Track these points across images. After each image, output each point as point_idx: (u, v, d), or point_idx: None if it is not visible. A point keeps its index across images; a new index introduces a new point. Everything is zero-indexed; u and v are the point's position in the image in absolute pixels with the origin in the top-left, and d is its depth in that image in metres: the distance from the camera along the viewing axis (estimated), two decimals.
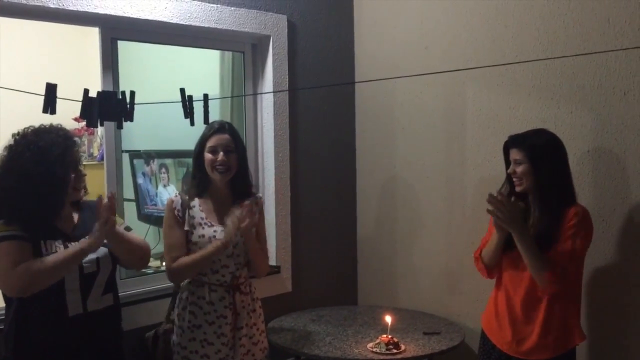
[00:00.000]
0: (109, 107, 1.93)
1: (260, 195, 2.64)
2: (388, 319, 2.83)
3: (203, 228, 2.43)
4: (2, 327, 2.19)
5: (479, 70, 2.92)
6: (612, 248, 2.58)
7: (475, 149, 3.10)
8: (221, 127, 2.43)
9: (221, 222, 2.43)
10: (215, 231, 2.43)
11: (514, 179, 2.31)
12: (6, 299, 2.12)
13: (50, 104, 1.86)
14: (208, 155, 2.40)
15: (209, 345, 2.41)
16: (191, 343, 2.42)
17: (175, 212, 2.44)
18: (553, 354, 2.26)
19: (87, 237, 2.05)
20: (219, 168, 2.40)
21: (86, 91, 1.93)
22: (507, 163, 2.37)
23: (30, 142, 2.00)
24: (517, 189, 2.31)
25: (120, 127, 1.98)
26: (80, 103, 1.94)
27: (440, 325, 3.04)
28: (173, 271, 2.41)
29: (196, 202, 2.47)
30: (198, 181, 2.47)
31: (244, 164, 2.51)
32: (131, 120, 1.97)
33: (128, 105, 1.95)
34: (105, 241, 2.19)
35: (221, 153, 2.39)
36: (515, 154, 2.30)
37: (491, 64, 2.86)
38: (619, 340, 2.57)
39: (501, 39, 2.95)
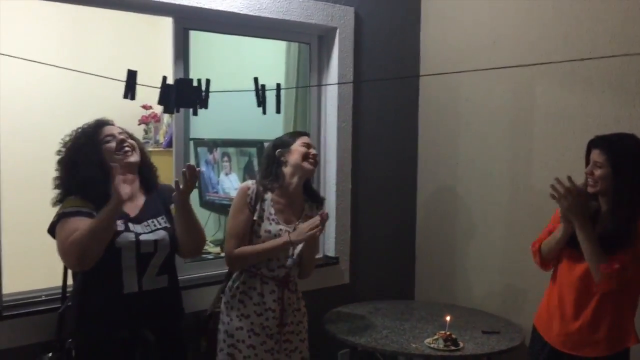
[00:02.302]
0: (186, 94, 1.98)
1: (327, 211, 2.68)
2: (447, 315, 2.81)
3: (270, 224, 2.47)
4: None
5: (549, 66, 2.85)
6: None
7: (544, 148, 3.02)
8: (306, 133, 2.70)
9: (287, 221, 2.50)
10: (280, 229, 2.47)
11: (589, 180, 2.26)
12: (73, 275, 2.24)
13: (130, 90, 1.92)
14: (301, 148, 2.50)
15: (255, 335, 2.45)
16: (238, 332, 2.45)
17: (248, 199, 2.49)
18: (605, 352, 2.22)
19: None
20: (311, 161, 2.50)
21: (164, 78, 1.98)
22: (588, 162, 2.31)
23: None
24: (590, 190, 2.26)
25: (195, 113, 2.03)
26: (148, 90, 2.01)
27: (500, 325, 3.00)
28: (233, 258, 2.45)
29: (269, 196, 2.52)
30: (274, 177, 2.52)
31: None
32: (206, 107, 2.01)
33: (203, 93, 2.00)
34: (166, 224, 2.28)
35: (313, 149, 2.53)
36: (596, 156, 2.23)
37: (563, 59, 2.79)
38: None
39: (574, 34, 2.86)
